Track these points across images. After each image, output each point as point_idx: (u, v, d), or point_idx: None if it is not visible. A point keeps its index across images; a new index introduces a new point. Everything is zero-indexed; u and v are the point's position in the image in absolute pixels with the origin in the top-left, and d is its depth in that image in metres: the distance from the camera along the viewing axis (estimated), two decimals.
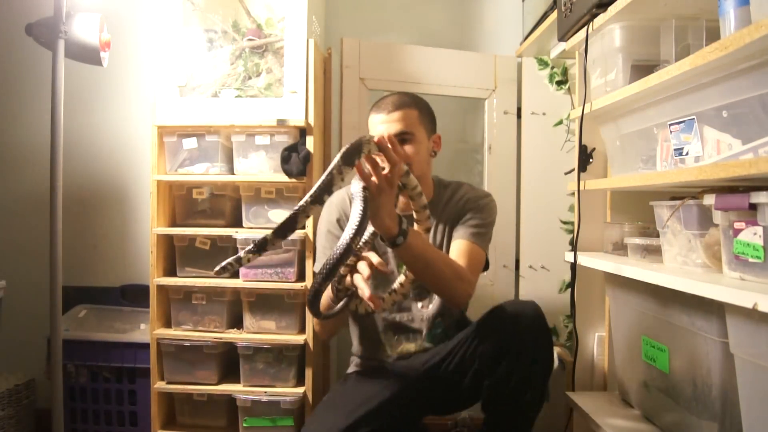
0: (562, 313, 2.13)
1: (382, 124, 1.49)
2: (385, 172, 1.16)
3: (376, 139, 1.16)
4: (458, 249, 1.46)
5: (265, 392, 1.86)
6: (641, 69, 1.39)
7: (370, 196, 1.16)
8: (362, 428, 1.29)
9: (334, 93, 2.15)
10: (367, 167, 1.15)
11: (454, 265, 1.38)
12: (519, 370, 1.28)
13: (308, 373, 1.88)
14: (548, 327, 1.34)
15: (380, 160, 1.17)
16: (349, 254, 1.15)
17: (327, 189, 1.13)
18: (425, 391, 1.45)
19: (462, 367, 1.40)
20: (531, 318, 1.29)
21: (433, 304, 1.54)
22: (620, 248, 1.60)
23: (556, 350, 1.98)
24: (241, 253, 1.13)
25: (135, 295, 2.24)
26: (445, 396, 1.46)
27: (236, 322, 1.96)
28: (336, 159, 1.14)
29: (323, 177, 1.14)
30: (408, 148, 1.47)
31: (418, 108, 1.52)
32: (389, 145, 1.16)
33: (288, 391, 1.87)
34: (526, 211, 2.22)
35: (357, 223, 1.13)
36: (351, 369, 1.64)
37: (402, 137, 1.47)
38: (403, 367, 1.50)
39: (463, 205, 1.54)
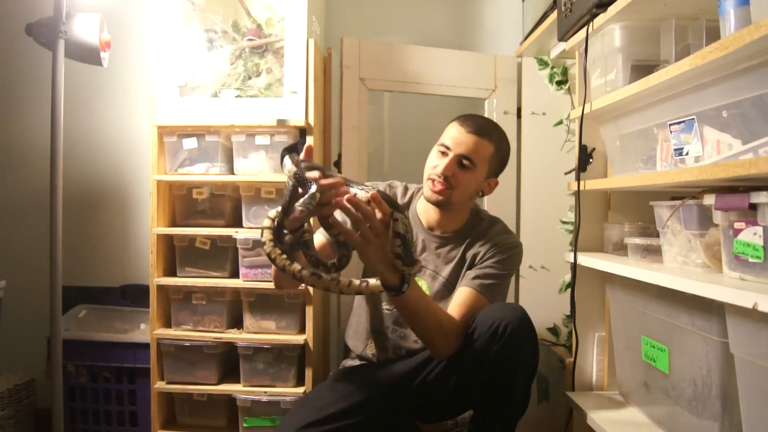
0: (562, 313, 2.13)
1: (456, 137, 1.44)
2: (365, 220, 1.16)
3: (345, 199, 1.14)
4: (460, 298, 1.39)
5: (265, 392, 1.87)
6: (641, 69, 1.39)
7: (358, 248, 1.17)
8: (330, 424, 1.30)
9: (334, 93, 2.15)
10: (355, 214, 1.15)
11: (442, 320, 1.34)
12: (500, 376, 1.27)
13: (308, 373, 1.89)
14: (533, 332, 1.32)
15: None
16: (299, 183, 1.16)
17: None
18: (408, 395, 1.44)
19: (445, 373, 1.40)
20: (514, 324, 1.27)
21: None
22: (620, 248, 1.60)
23: (556, 350, 1.98)
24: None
25: (135, 295, 2.24)
26: (429, 403, 1.46)
27: (236, 322, 1.96)
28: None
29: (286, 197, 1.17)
30: (460, 173, 1.43)
31: (495, 146, 1.47)
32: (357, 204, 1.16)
33: (288, 391, 1.87)
34: (526, 211, 2.21)
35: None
36: (339, 367, 1.65)
37: (463, 160, 1.43)
38: (386, 371, 1.49)
39: (489, 247, 1.47)
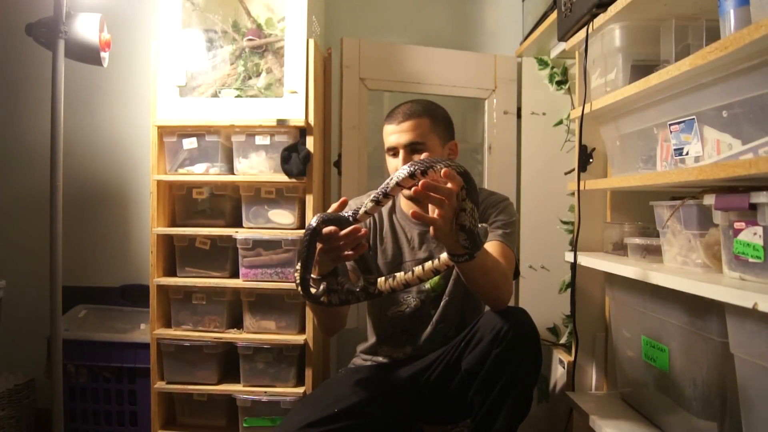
0: (562, 313, 2.13)
1: (393, 135, 1.48)
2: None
3: (422, 186, 1.09)
4: (492, 250, 1.41)
5: (265, 392, 1.87)
6: (641, 69, 1.39)
7: (438, 227, 1.13)
8: (332, 424, 1.31)
9: (334, 93, 2.15)
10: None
11: (501, 267, 1.35)
12: (501, 380, 1.27)
13: (308, 373, 1.89)
14: (536, 337, 1.31)
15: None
16: (315, 237, 1.19)
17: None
18: (410, 397, 1.45)
19: (446, 376, 1.40)
20: (515, 328, 1.26)
21: (438, 311, 1.54)
22: (620, 248, 1.60)
23: (556, 351, 1.98)
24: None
25: (135, 295, 2.24)
26: (432, 404, 1.46)
27: (236, 322, 1.96)
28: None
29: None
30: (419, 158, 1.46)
31: (430, 116, 1.49)
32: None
33: (288, 391, 1.87)
34: (526, 211, 2.21)
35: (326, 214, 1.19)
36: (349, 365, 1.65)
37: (413, 147, 1.46)
38: (393, 371, 1.50)
39: (483, 210, 1.52)
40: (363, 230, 1.20)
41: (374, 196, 1.19)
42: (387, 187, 1.17)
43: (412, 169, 1.12)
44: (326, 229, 1.19)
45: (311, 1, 1.94)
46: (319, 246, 1.22)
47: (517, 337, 1.26)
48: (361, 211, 1.22)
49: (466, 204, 1.11)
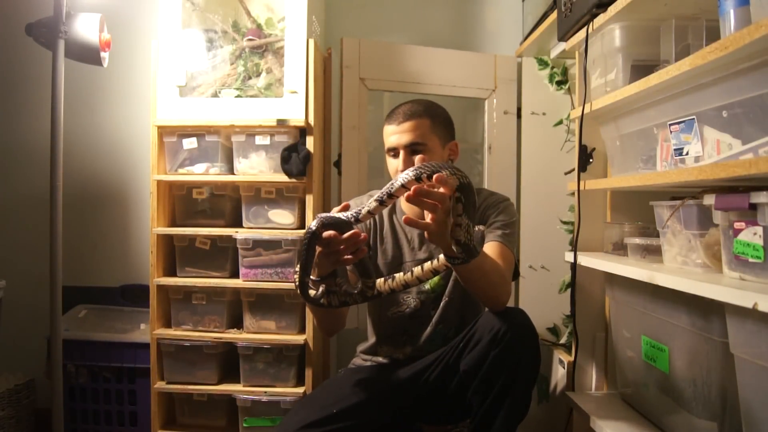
0: (562, 313, 2.13)
1: (393, 135, 1.49)
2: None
3: (414, 193, 1.09)
4: (491, 251, 1.41)
5: (265, 392, 1.87)
6: (641, 69, 1.39)
7: (432, 232, 1.14)
8: (331, 425, 1.31)
9: (334, 93, 2.15)
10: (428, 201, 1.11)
11: (499, 268, 1.35)
12: (499, 380, 1.27)
13: (308, 373, 1.89)
14: (534, 338, 1.31)
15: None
16: (314, 241, 1.19)
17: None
18: (410, 397, 1.45)
19: (446, 376, 1.40)
20: (514, 329, 1.26)
21: (437, 312, 1.54)
22: (620, 248, 1.60)
23: (556, 351, 1.98)
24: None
25: (135, 295, 2.24)
26: (431, 405, 1.46)
27: (236, 322, 1.96)
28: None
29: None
30: (419, 159, 1.45)
31: (430, 117, 1.50)
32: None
33: (288, 391, 1.87)
34: (526, 211, 2.21)
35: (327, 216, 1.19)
36: (349, 365, 1.66)
37: (413, 148, 1.46)
38: (393, 372, 1.50)
39: (483, 210, 1.52)
40: (363, 235, 1.20)
41: (379, 196, 1.19)
42: (392, 188, 1.16)
43: (418, 172, 1.11)
44: (326, 234, 1.18)
45: (311, 1, 1.94)
46: (318, 249, 1.22)
47: (516, 337, 1.26)
48: (363, 211, 1.21)
49: (462, 219, 1.10)
